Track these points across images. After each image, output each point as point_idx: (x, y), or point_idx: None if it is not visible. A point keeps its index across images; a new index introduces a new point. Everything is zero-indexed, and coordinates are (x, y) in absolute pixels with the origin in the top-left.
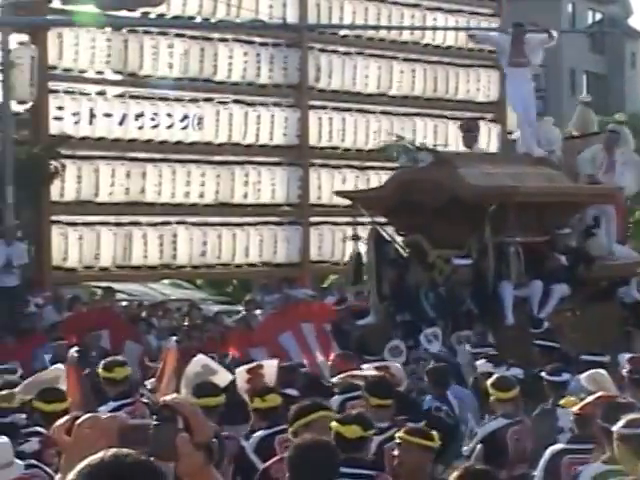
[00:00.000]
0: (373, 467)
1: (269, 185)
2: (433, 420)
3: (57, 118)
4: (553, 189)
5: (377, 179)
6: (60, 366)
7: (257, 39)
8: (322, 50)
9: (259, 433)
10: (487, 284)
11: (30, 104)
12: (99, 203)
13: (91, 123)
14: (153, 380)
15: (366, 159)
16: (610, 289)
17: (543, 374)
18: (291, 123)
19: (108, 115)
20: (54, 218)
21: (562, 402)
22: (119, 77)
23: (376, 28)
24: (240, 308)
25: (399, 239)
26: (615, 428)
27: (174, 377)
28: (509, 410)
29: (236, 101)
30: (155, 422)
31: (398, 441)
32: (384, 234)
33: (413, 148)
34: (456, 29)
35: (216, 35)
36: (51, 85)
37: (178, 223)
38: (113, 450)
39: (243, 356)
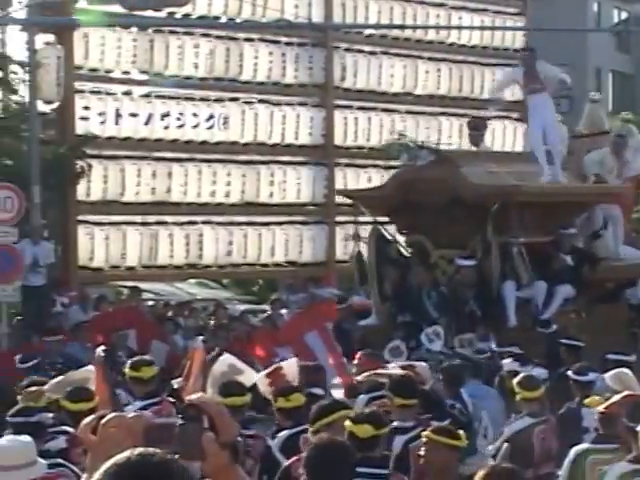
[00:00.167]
0: (385, 465)
1: (295, 184)
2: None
3: (83, 118)
4: (557, 188)
5: None
6: (90, 367)
7: (283, 39)
8: (347, 49)
9: (284, 433)
10: (491, 285)
11: (56, 104)
12: (125, 203)
13: (117, 123)
14: (180, 379)
15: (391, 158)
16: (617, 290)
17: (569, 373)
18: (316, 123)
19: (134, 115)
20: (80, 218)
21: (587, 401)
22: (145, 77)
23: (401, 27)
24: (266, 307)
25: (401, 239)
26: None
27: (201, 377)
28: (535, 409)
29: (262, 101)
30: (181, 421)
31: (424, 440)
32: (385, 234)
33: (414, 146)
34: (481, 28)
35: (242, 35)
36: (77, 85)
37: (204, 223)
38: (140, 449)
39: (269, 355)
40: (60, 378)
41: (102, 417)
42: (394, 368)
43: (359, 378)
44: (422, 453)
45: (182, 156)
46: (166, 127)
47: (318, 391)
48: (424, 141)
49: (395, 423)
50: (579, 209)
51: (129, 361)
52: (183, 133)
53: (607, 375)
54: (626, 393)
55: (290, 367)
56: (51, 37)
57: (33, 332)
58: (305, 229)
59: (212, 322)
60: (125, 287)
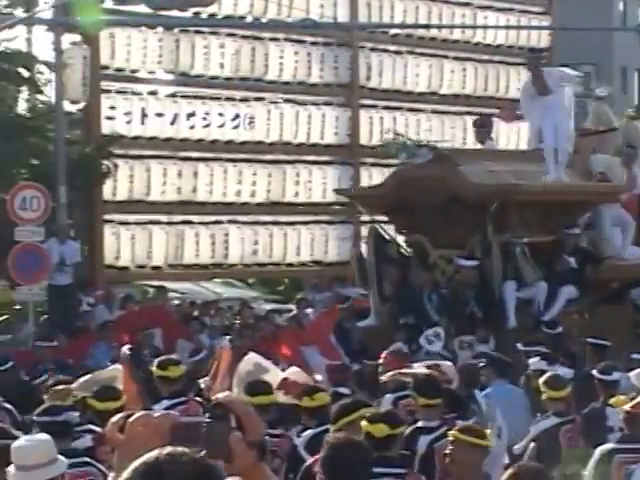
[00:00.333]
0: (401, 465)
1: (320, 184)
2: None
3: (109, 118)
4: (558, 187)
5: None
6: (118, 366)
7: (308, 38)
8: (373, 49)
9: (309, 431)
10: (492, 286)
11: (82, 104)
12: (151, 202)
13: (143, 123)
14: (207, 379)
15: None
16: (621, 291)
17: (594, 373)
18: (342, 122)
19: (160, 115)
20: (106, 217)
21: (612, 401)
22: (171, 77)
23: (427, 27)
24: (291, 307)
25: (400, 238)
26: None
27: (228, 376)
28: (561, 409)
29: (287, 100)
30: (208, 420)
31: (451, 439)
32: (384, 233)
33: (412, 145)
34: (507, 27)
35: (267, 35)
36: (103, 85)
37: (230, 222)
38: (168, 449)
39: (294, 355)
40: (87, 377)
41: (129, 416)
42: (419, 367)
43: (384, 378)
44: (448, 452)
45: (208, 156)
46: (192, 127)
47: (344, 390)
48: (422, 139)
49: (420, 423)
50: (582, 208)
51: (156, 360)
52: (209, 133)
53: (632, 374)
54: None
55: (295, 374)
56: (77, 37)
57: (60, 331)
58: (331, 228)
59: (238, 322)
60: (151, 286)
